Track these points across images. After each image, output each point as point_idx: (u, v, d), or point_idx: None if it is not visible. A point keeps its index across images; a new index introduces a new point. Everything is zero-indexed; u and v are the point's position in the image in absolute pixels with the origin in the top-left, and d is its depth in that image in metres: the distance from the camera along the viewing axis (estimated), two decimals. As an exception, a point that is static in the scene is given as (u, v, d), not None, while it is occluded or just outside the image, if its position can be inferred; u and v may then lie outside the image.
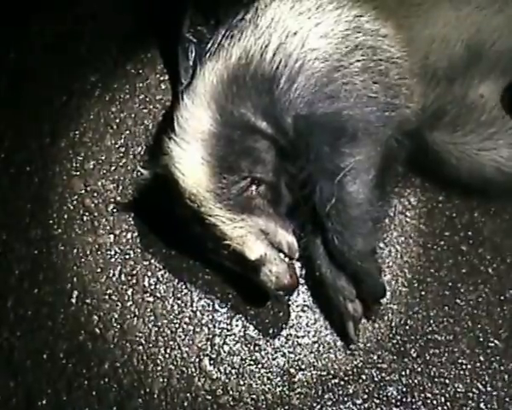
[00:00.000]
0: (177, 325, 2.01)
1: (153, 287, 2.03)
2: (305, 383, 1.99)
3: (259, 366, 2.00)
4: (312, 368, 2.00)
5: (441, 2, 1.90)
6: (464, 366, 2.01)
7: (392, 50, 1.89)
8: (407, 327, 2.03)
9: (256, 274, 1.83)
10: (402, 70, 1.89)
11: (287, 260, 1.84)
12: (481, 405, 1.97)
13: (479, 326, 2.03)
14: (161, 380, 1.97)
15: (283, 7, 1.89)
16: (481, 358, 2.01)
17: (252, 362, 2.00)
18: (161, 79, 2.20)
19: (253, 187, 1.85)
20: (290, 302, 2.02)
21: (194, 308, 2.03)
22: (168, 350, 1.99)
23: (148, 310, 2.02)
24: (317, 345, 2.02)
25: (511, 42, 1.91)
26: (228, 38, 1.91)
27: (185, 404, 1.96)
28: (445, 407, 1.98)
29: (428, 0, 1.90)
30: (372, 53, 1.87)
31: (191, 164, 1.83)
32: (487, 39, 1.91)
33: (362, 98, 1.85)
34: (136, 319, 2.01)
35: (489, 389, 1.99)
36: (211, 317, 2.02)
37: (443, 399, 1.99)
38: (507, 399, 1.98)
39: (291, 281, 1.83)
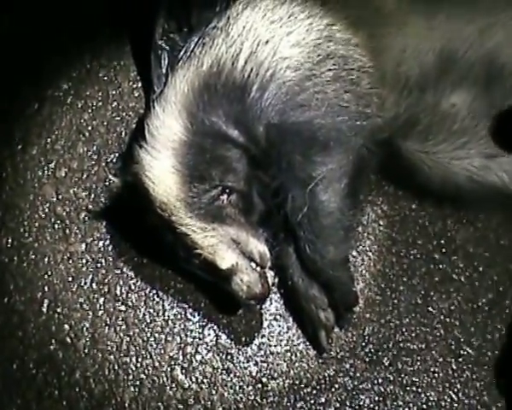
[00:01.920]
0: (148, 334, 2.00)
1: (124, 296, 2.03)
2: (278, 392, 1.99)
3: (231, 375, 1.99)
4: (285, 377, 2.00)
5: (413, 11, 1.88)
6: (436, 375, 2.01)
7: (364, 60, 1.88)
8: (380, 335, 2.03)
9: (227, 283, 1.82)
10: (373, 79, 1.88)
11: (258, 269, 1.84)
12: (454, 412, 1.93)
13: (451, 334, 2.04)
14: (133, 389, 1.97)
15: (255, 15, 1.88)
16: (454, 366, 2.02)
17: (224, 371, 1.99)
18: (134, 86, 2.19)
19: (225, 196, 1.84)
20: (263, 311, 2.01)
21: (166, 317, 2.02)
22: (140, 359, 1.98)
23: (120, 319, 2.01)
24: (289, 354, 2.01)
25: (482, 51, 1.88)
26: (200, 45, 1.89)
27: None
28: (418, 416, 1.93)
29: (400, 9, 1.87)
30: (343, 62, 1.87)
31: (161, 173, 1.82)
32: (459, 49, 1.90)
33: (333, 107, 1.85)
34: (107, 327, 2.00)
35: (461, 397, 1.99)
36: (183, 326, 2.01)
37: (415, 408, 1.99)
38: (479, 407, 1.99)
39: (262, 290, 1.82)
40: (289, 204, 1.84)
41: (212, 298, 1.99)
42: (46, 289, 2.02)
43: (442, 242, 2.10)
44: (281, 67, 1.83)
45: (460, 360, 2.01)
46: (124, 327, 2.00)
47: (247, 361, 2.00)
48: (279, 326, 2.02)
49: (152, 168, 1.83)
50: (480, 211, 2.10)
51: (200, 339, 2.00)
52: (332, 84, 1.85)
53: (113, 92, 2.18)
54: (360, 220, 2.09)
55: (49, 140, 2.13)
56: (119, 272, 2.04)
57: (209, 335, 2.01)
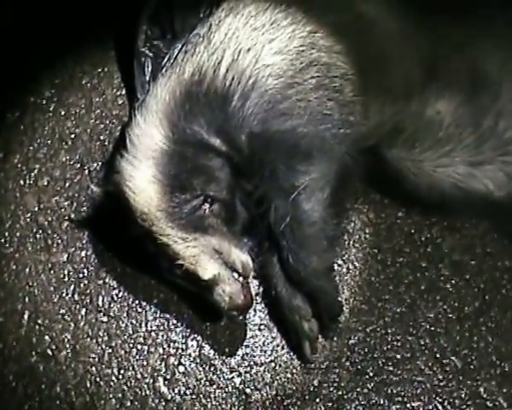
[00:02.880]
0: (131, 345, 1.99)
1: (107, 306, 2.01)
2: (262, 404, 1.97)
3: (215, 386, 1.97)
4: (269, 388, 1.98)
5: (396, 19, 1.85)
6: (422, 384, 1.99)
7: (347, 67, 1.85)
8: (365, 345, 2.02)
9: (210, 294, 1.81)
10: (357, 87, 1.85)
11: (241, 279, 1.82)
12: (440, 423, 1.91)
13: (437, 344, 2.02)
14: (114, 402, 1.95)
15: (237, 22, 1.86)
16: (439, 376, 2.00)
17: (207, 382, 1.97)
18: (118, 93, 2.17)
19: (206, 206, 1.82)
20: (246, 321, 1.99)
21: (149, 328, 2.00)
22: (122, 371, 1.97)
23: (102, 330, 1.99)
24: (273, 364, 2.00)
25: (466, 59, 1.86)
26: (182, 53, 1.87)
27: None
28: (404, 427, 1.91)
29: (383, 17, 1.85)
30: (327, 69, 1.85)
31: (142, 183, 1.80)
32: (443, 56, 1.88)
33: (316, 115, 1.83)
34: (89, 339, 1.98)
35: (447, 407, 1.98)
36: (165, 336, 1.99)
37: (401, 418, 1.92)
38: (465, 417, 1.92)
39: (244, 301, 1.81)
40: (272, 213, 1.83)
41: (195, 308, 1.98)
42: (27, 300, 2.00)
43: (428, 250, 2.09)
44: (263, 75, 1.81)
45: (446, 369, 2.00)
46: (106, 338, 1.98)
47: (231, 372, 1.98)
48: (263, 336, 2.00)
49: (132, 178, 1.81)
50: (466, 219, 2.09)
51: (183, 350, 1.99)
52: (315, 92, 1.83)
53: (97, 99, 2.16)
54: (346, 228, 2.07)
55: (30, 148, 2.11)
56: (101, 282, 2.02)
57: (192, 345, 1.99)
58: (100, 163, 2.09)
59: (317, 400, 1.97)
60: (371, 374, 1.99)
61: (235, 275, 1.82)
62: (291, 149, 1.81)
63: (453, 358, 2.00)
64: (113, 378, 1.96)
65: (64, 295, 2.00)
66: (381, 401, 1.97)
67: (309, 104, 1.82)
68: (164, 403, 1.95)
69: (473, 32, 1.89)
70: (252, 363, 1.99)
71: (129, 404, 1.94)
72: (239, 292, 1.80)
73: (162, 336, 1.99)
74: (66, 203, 2.07)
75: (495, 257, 2.08)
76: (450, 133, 1.95)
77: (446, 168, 1.96)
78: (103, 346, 1.97)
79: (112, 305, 2.00)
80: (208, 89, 1.81)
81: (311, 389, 1.98)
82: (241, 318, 1.91)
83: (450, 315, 2.04)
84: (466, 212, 2.06)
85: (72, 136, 2.13)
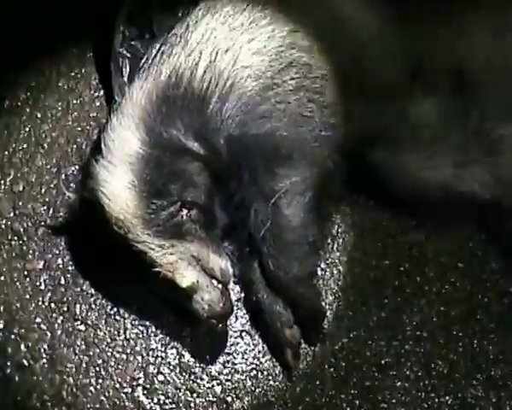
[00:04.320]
0: (109, 354, 1.95)
1: (84, 314, 1.97)
2: (243, 412, 1.89)
3: (195, 394, 1.94)
4: (250, 396, 1.95)
5: (377, 18, 1.81)
6: (408, 390, 1.96)
7: (327, 68, 1.83)
8: (349, 351, 1.99)
9: (188, 302, 1.77)
10: (338, 88, 1.81)
11: (220, 286, 1.78)
12: (426, 429, 1.88)
13: (423, 348, 1.99)
14: (92, 412, 1.86)
15: (215, 22, 1.83)
16: (425, 381, 1.97)
17: (187, 391, 1.94)
18: (96, 95, 2.14)
19: (184, 211, 1.78)
20: (227, 328, 1.96)
21: (128, 336, 1.96)
22: (100, 380, 1.93)
23: (79, 339, 1.95)
24: (255, 372, 1.96)
25: (450, 59, 1.84)
26: (159, 54, 1.83)
27: None
28: (389, 433, 1.88)
29: (364, 16, 1.80)
30: (307, 70, 1.82)
31: (117, 188, 1.76)
32: (428, 56, 1.85)
33: (296, 118, 1.80)
34: (66, 348, 1.95)
35: (434, 413, 1.89)
36: (144, 345, 1.96)
37: (386, 425, 1.89)
38: (452, 423, 1.89)
39: (224, 309, 1.77)
40: (252, 218, 1.79)
41: (174, 316, 1.94)
42: (2, 308, 1.96)
43: (414, 253, 2.05)
44: (241, 77, 1.78)
45: (432, 374, 1.96)
46: (83, 347, 1.94)
47: (212, 380, 1.95)
48: (244, 343, 1.97)
49: (108, 184, 1.76)
50: (452, 221, 2.04)
51: (162, 358, 1.95)
52: (295, 94, 1.80)
53: (74, 102, 2.13)
54: (329, 232, 2.03)
55: (6, 153, 2.07)
56: (78, 289, 1.98)
57: (172, 354, 1.95)
58: (77, 167, 2.05)
59: (300, 407, 1.94)
60: (355, 380, 1.95)
61: (215, 282, 1.78)
62: (270, 152, 1.77)
63: (439, 363, 1.97)
64: (91, 388, 1.92)
65: (40, 303, 1.96)
66: (366, 408, 1.94)
67: (289, 106, 1.79)
68: (143, 413, 1.87)
69: (457, 31, 1.82)
70: (233, 371, 1.95)
71: None
72: (218, 300, 1.76)
73: (141, 344, 1.95)
74: (42, 209, 2.03)
75: (481, 260, 2.05)
76: (434, 134, 1.92)
77: (432, 170, 1.93)
78: (81, 355, 1.93)
79: (89, 313, 1.96)
80: (185, 91, 1.78)
81: (294, 397, 1.94)
82: (220, 326, 1.85)
83: (436, 319, 2.00)
84: (452, 214, 2.02)
85: (49, 139, 2.08)
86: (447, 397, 1.95)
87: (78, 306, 1.97)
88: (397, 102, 1.89)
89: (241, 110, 1.77)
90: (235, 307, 1.88)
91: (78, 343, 1.95)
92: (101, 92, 2.13)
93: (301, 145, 1.80)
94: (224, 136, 1.77)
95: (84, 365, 1.93)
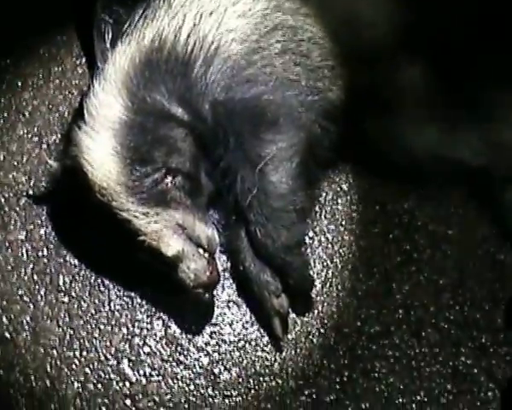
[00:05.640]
0: (93, 326, 1.91)
1: (67, 286, 1.93)
2: (231, 383, 1.91)
3: (182, 366, 1.91)
4: (238, 367, 1.92)
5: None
6: (398, 359, 1.93)
7: (314, 30, 1.80)
8: (338, 320, 1.95)
9: (174, 271, 1.74)
10: (325, 51, 1.79)
11: (206, 255, 1.75)
12: (418, 398, 1.91)
13: (413, 317, 1.96)
14: (77, 385, 1.87)
15: (199, -15, 1.75)
16: (416, 350, 1.94)
17: (174, 363, 1.91)
18: (78, 62, 2.08)
19: (169, 179, 1.75)
20: (214, 298, 1.93)
21: (112, 307, 1.93)
22: (84, 353, 1.89)
23: (63, 311, 1.92)
24: (242, 342, 1.93)
25: (439, 24, 1.83)
26: (142, 18, 1.80)
27: (103, 409, 1.85)
28: (380, 404, 1.90)
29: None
30: (293, 33, 1.79)
31: (100, 155, 1.73)
32: (413, 21, 1.82)
33: (282, 82, 1.76)
34: (49, 320, 1.91)
35: (424, 382, 1.92)
36: (129, 316, 1.92)
37: (376, 395, 1.91)
38: (445, 393, 1.91)
39: (210, 278, 1.74)
40: (238, 185, 1.76)
41: (160, 286, 1.89)
42: (-17, 280, 1.88)
43: (403, 220, 2.01)
44: (226, 40, 1.75)
45: (422, 343, 1.93)
46: (67, 319, 1.91)
47: (198, 351, 1.92)
48: (231, 314, 1.94)
49: (90, 151, 1.73)
50: (442, 188, 2.01)
51: (148, 330, 1.92)
52: (280, 57, 1.77)
53: (55, 69, 2.08)
54: (317, 199, 2.00)
55: (-15, 122, 1.98)
56: (61, 260, 1.94)
57: (157, 325, 1.92)
58: (59, 136, 2.01)
59: (289, 378, 1.91)
60: (344, 350, 1.92)
61: (201, 251, 1.75)
62: (256, 117, 1.75)
63: (429, 331, 1.94)
64: (75, 361, 1.89)
65: (22, 274, 1.93)
66: (356, 378, 1.91)
67: (274, 70, 1.76)
68: (129, 385, 1.88)
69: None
70: (220, 341, 1.92)
71: (92, 387, 1.87)
72: (204, 268, 1.73)
73: (126, 315, 1.92)
74: (23, 179, 1.99)
75: (472, 227, 2.01)
76: (423, 99, 1.88)
77: (420, 136, 1.90)
78: (64, 327, 1.90)
79: (73, 284, 1.93)
80: (169, 55, 1.75)
81: (282, 367, 1.92)
82: (207, 295, 1.83)
83: (426, 287, 1.97)
84: (442, 180, 1.99)
85: (30, 108, 2.04)
86: (438, 366, 1.92)
87: (61, 277, 1.93)
88: (385, 66, 1.86)
89: (226, 74, 1.74)
90: (221, 277, 1.84)
91: (62, 315, 1.91)
92: (83, 60, 2.07)
93: (288, 110, 1.76)
94: (209, 101, 1.74)
95: (67, 337, 1.89)
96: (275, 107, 1.76)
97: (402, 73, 1.86)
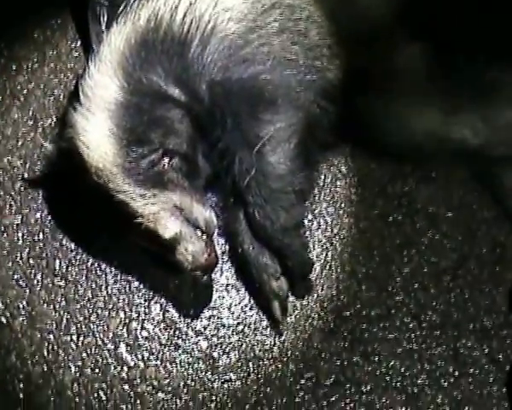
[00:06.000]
0: (90, 310, 1.90)
1: (64, 270, 1.91)
2: (230, 367, 1.89)
3: (180, 350, 1.89)
4: (237, 351, 1.90)
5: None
6: (399, 342, 1.92)
7: (312, 9, 1.77)
8: (338, 303, 1.94)
9: (172, 254, 1.71)
10: (323, 30, 1.77)
11: (204, 237, 1.73)
12: (419, 381, 1.89)
13: (414, 299, 1.94)
14: (74, 370, 1.86)
15: (195, -38, 1.73)
16: (417, 332, 1.93)
17: (172, 347, 1.89)
18: (73, 45, 2.06)
19: (166, 160, 1.73)
20: (212, 282, 1.91)
21: (109, 291, 1.91)
22: (81, 338, 1.88)
23: (59, 295, 1.90)
24: (241, 326, 1.92)
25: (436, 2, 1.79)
26: (138, -1, 1.75)
27: (100, 394, 1.85)
28: (380, 387, 1.89)
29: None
30: (290, 12, 1.76)
31: (96, 136, 1.70)
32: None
33: (280, 61, 1.74)
34: (46, 305, 1.89)
35: (425, 364, 1.91)
36: (127, 300, 1.91)
37: (377, 377, 1.90)
38: (446, 376, 1.90)
39: (208, 260, 1.72)
40: (236, 167, 1.74)
41: (158, 270, 1.88)
42: (-22, 265, 1.86)
43: (403, 202, 2.00)
44: (222, 19, 1.73)
45: (423, 325, 1.92)
46: (63, 304, 1.89)
47: (197, 335, 1.90)
48: (230, 297, 1.92)
49: (86, 132, 1.71)
50: (441, 169, 2.00)
51: (145, 314, 1.90)
52: (278, 36, 1.75)
53: (50, 53, 2.05)
54: (316, 182, 1.98)
55: (-20, 106, 1.96)
56: (57, 244, 1.92)
57: (155, 309, 1.90)
58: (54, 119, 1.99)
59: (289, 361, 1.90)
60: (345, 333, 1.91)
61: (199, 233, 1.73)
62: (254, 97, 1.72)
63: (430, 314, 1.93)
64: (72, 346, 1.87)
65: (18, 259, 1.91)
66: (356, 361, 1.90)
67: (272, 49, 1.74)
68: (126, 370, 1.87)
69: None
70: (219, 325, 1.91)
71: (89, 372, 1.86)
72: (202, 251, 1.71)
73: (123, 299, 1.90)
74: (19, 162, 1.97)
75: (472, 208, 1.99)
76: (423, 79, 1.86)
77: (419, 117, 1.88)
78: (61, 312, 1.88)
79: (69, 268, 1.91)
80: (165, 35, 1.72)
81: (282, 351, 1.90)
82: (205, 278, 1.84)
83: (427, 269, 1.96)
84: (441, 161, 1.97)
85: (25, 91, 2.02)
86: (439, 348, 1.91)
87: (57, 261, 1.92)
88: (384, 45, 1.84)
89: (223, 54, 1.72)
90: (220, 261, 1.82)
91: (58, 300, 1.89)
92: (79, 43, 2.05)
93: (286, 90, 1.74)
94: (206, 81, 1.72)
95: (64, 322, 1.88)
96: (273, 87, 1.73)
97: (401, 52, 1.84)
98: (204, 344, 1.90)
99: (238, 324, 1.92)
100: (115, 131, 1.71)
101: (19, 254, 1.92)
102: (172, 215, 1.72)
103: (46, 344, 1.87)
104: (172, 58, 1.73)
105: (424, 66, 1.84)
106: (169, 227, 1.71)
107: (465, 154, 1.92)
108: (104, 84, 1.74)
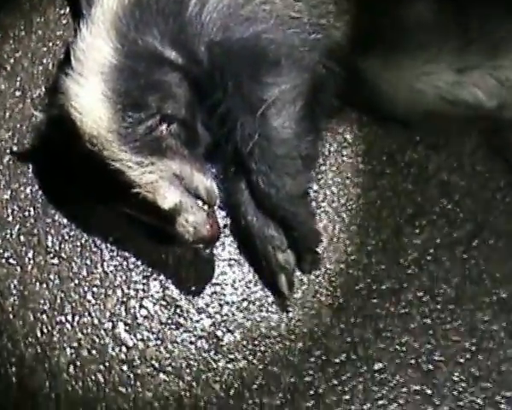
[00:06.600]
0: (85, 289, 1.83)
1: (57, 247, 1.84)
2: (235, 346, 1.82)
3: (181, 329, 1.83)
4: (242, 329, 1.83)
5: None
6: (412, 317, 1.85)
7: (316, -38, 1.68)
8: (347, 277, 1.87)
9: (171, 226, 1.63)
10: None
11: (206, 207, 1.65)
12: (434, 358, 1.83)
13: (426, 272, 1.87)
14: (69, 351, 1.79)
15: None
16: (431, 307, 1.86)
17: (173, 326, 1.83)
18: (61, 12, 1.98)
19: (164, 126, 1.66)
20: (214, 256, 1.84)
21: (106, 268, 1.84)
22: (76, 317, 1.81)
23: (53, 273, 1.83)
24: (246, 303, 1.85)
25: None
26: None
27: (98, 377, 1.79)
28: (393, 364, 1.83)
29: None
30: (293, -34, 1.66)
31: (90, 101, 1.63)
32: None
33: (283, 19, 1.68)
34: (38, 284, 1.82)
35: (440, 340, 1.84)
36: (124, 277, 1.84)
37: (390, 354, 1.83)
38: (462, 352, 1.84)
39: (211, 231, 1.64)
40: (238, 132, 1.68)
41: (156, 244, 1.81)
42: (-33, 243, 1.81)
43: (412, 171, 1.93)
44: (221, -25, 1.63)
45: (437, 299, 1.86)
46: (57, 282, 1.82)
47: (199, 313, 1.83)
48: (233, 273, 1.85)
49: (79, 97, 1.64)
50: (453, 135, 1.93)
51: (144, 291, 1.83)
52: None
53: (38, 20, 1.98)
54: (321, 151, 1.90)
55: (-35, 76, 1.90)
56: (49, 220, 1.85)
57: (155, 286, 1.84)
58: (43, 89, 1.92)
59: (296, 339, 1.83)
60: (355, 309, 1.85)
61: (200, 203, 1.65)
62: (256, 58, 1.67)
63: (444, 287, 1.86)
64: (67, 326, 1.80)
65: (8, 236, 1.84)
66: (368, 337, 1.84)
67: (274, 7, 1.69)
68: (125, 351, 1.80)
69: None
70: (222, 302, 1.84)
71: (86, 354, 1.80)
72: (204, 221, 1.64)
73: (121, 276, 1.83)
74: (7, 135, 1.89)
75: (485, 176, 1.93)
76: (432, 36, 1.78)
77: (429, 76, 1.80)
78: (55, 291, 1.82)
79: (63, 245, 1.84)
80: (161, -6, 1.63)
81: (289, 328, 1.84)
82: (207, 251, 1.79)
83: (439, 241, 1.89)
84: (452, 127, 1.91)
85: (12, 61, 1.94)
86: (454, 323, 1.85)
87: (49, 238, 1.85)
88: (390, 2, 1.78)
89: (223, 13, 1.66)
90: (222, 234, 1.77)
91: (52, 278, 1.83)
92: (67, 10, 1.98)
93: (290, 49, 1.69)
94: (205, 42, 1.66)
95: (58, 301, 1.82)
96: (276, 46, 1.67)
97: (411, 6, 1.77)
98: (207, 322, 1.84)
99: (242, 300, 1.85)
100: (109, 96, 1.63)
101: (9, 231, 1.85)
102: (172, 184, 1.64)
103: (39, 325, 1.81)
104: (168, 18, 1.66)
105: (435, 21, 1.78)
106: (168, 197, 1.63)
107: (476, 118, 1.86)
108: (97, 47, 1.67)
